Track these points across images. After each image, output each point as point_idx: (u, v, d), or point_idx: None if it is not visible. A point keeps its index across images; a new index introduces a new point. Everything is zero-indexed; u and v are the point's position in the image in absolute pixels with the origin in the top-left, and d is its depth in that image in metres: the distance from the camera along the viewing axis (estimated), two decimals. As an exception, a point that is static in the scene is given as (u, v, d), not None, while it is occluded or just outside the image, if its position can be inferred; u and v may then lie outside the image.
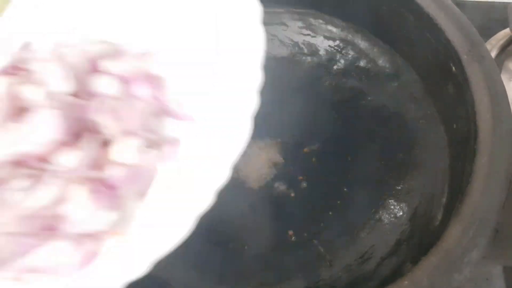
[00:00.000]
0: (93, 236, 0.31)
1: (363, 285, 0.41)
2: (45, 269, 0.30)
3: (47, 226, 0.31)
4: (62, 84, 0.33)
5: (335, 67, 0.54)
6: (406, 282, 0.34)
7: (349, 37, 0.53)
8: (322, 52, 0.56)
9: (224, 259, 0.42)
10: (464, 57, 0.43)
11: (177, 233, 0.29)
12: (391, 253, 0.43)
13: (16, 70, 0.37)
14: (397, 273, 0.36)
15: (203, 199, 0.29)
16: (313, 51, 0.55)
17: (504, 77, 0.57)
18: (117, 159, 0.32)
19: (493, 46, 0.59)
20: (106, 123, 0.33)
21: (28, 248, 0.30)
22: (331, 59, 0.55)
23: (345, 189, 0.47)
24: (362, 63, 0.53)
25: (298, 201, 0.46)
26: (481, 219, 0.36)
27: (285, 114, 0.49)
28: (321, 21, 0.57)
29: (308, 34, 0.57)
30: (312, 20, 0.57)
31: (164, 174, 0.33)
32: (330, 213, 0.45)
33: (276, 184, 0.47)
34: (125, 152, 0.32)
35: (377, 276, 0.41)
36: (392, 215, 0.45)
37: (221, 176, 0.30)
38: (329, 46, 0.56)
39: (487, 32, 0.60)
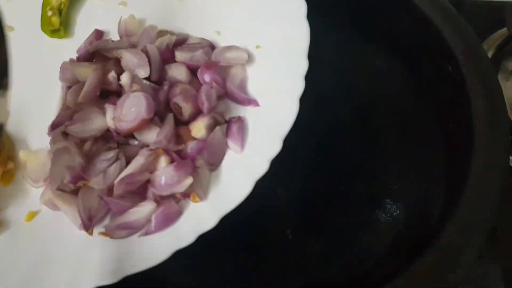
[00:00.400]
0: (175, 198, 0.37)
1: (359, 285, 0.41)
2: (135, 227, 0.36)
3: (137, 190, 0.37)
4: (143, 71, 0.40)
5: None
6: (402, 282, 0.34)
7: (346, 37, 0.53)
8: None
9: (223, 260, 0.42)
10: (460, 57, 0.43)
11: (239, 194, 0.35)
12: (387, 252, 0.43)
13: (98, 57, 0.43)
14: (393, 273, 0.36)
15: (259, 167, 0.35)
16: (310, 51, 0.55)
17: (501, 77, 0.57)
18: (192, 135, 0.38)
19: (490, 45, 0.59)
20: (180, 104, 0.38)
21: (122, 209, 0.36)
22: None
23: (341, 188, 0.47)
24: (358, 63, 0.53)
25: (295, 201, 0.46)
26: (477, 219, 0.36)
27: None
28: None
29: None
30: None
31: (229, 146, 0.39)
32: (327, 212, 0.45)
33: (274, 184, 0.47)
34: (197, 129, 0.38)
35: (373, 276, 0.41)
36: (388, 215, 0.45)
37: (274, 148, 0.36)
38: (326, 46, 0.56)
39: (484, 32, 0.60)
